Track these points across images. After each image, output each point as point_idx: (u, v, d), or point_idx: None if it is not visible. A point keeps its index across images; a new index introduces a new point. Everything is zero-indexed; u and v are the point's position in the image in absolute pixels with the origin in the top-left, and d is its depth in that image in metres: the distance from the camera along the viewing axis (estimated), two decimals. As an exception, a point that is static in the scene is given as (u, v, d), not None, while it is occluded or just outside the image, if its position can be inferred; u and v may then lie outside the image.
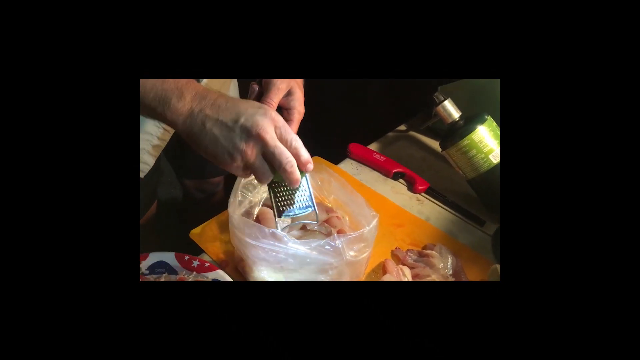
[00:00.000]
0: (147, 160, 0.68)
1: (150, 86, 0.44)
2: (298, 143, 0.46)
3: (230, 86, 0.76)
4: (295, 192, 0.53)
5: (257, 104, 0.46)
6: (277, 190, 0.53)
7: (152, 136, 0.66)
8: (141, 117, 0.63)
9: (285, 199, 0.53)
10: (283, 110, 0.54)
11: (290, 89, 0.53)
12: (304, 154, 0.46)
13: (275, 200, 0.53)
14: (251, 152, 0.44)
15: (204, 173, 0.82)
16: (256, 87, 0.54)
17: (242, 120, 0.43)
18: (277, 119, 0.45)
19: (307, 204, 0.53)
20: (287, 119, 0.53)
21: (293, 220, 0.57)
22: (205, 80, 0.65)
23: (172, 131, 0.67)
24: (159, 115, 0.45)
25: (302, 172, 0.49)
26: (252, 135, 0.43)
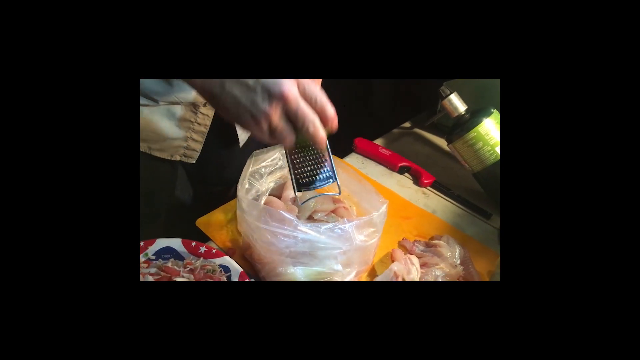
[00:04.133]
0: (194, 147, 0.68)
1: None
2: (323, 99, 0.44)
3: None
4: (315, 162, 0.50)
5: None
6: (297, 160, 0.50)
7: (192, 123, 0.65)
8: (174, 107, 0.63)
9: (304, 170, 0.50)
10: None
11: None
12: (330, 110, 0.44)
13: (294, 172, 0.49)
14: (274, 112, 0.42)
15: (221, 180, 0.79)
16: None
17: (262, 80, 0.41)
18: (302, 79, 0.43)
19: (328, 174, 0.49)
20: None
21: (314, 192, 0.54)
22: None
23: (210, 115, 0.66)
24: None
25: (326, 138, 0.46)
26: (274, 94, 0.41)
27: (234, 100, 0.42)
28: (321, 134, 0.44)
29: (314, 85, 0.43)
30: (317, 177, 0.50)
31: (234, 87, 0.42)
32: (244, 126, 0.44)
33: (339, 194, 0.52)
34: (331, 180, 0.50)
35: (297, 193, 0.50)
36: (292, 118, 0.43)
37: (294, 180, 0.50)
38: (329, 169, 0.50)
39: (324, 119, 0.44)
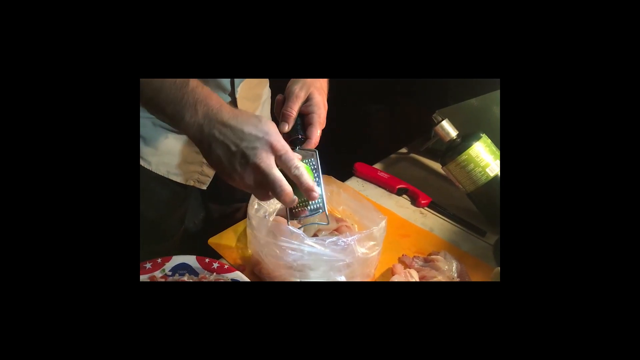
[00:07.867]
0: (207, 172, 0.73)
1: (171, 98, 0.46)
2: (298, 171, 0.48)
3: (265, 88, 0.79)
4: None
5: (265, 127, 0.47)
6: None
7: None
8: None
9: (298, 201, 0.55)
10: (304, 115, 0.57)
11: (309, 95, 0.57)
12: (305, 181, 0.48)
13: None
14: (248, 177, 0.47)
15: (232, 198, 0.84)
16: (281, 98, 0.58)
17: (242, 145, 0.46)
18: (279, 147, 0.47)
19: (318, 206, 0.55)
20: (308, 123, 0.56)
21: (304, 221, 0.59)
22: (243, 80, 0.67)
23: None
24: (174, 125, 0.49)
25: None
26: (249, 163, 0.46)
27: (217, 158, 0.48)
28: (289, 200, 0.48)
29: (291, 156, 0.48)
30: (308, 208, 0.55)
31: (218, 148, 0.47)
32: (224, 179, 0.50)
33: (327, 224, 0.58)
34: (320, 210, 0.55)
35: (289, 222, 0.55)
36: (264, 185, 0.48)
37: (287, 211, 0.55)
38: (319, 201, 0.55)
39: (300, 188, 0.49)
